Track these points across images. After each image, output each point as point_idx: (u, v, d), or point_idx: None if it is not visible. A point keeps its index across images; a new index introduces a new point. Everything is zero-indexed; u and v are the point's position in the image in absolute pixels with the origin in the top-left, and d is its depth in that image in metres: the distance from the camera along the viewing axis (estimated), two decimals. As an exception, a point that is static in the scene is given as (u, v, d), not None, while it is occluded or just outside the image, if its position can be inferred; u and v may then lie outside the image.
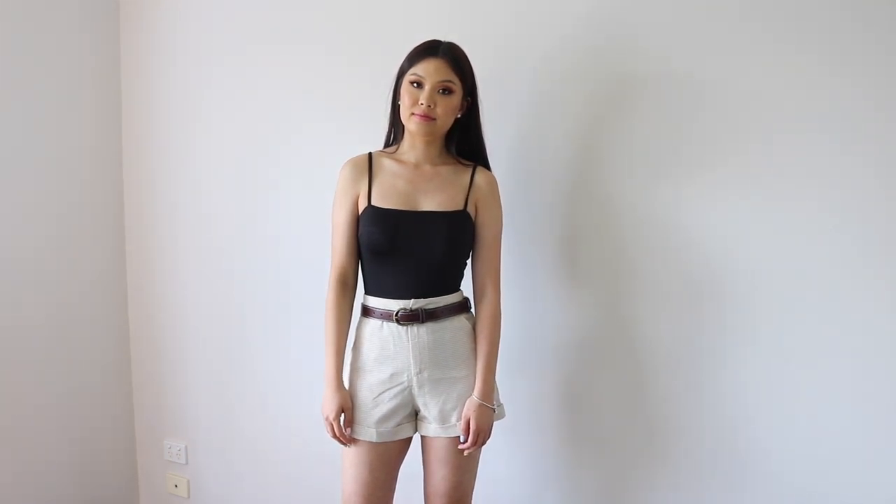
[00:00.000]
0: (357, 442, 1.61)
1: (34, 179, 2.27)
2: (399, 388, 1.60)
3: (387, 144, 1.72)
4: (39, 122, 2.27)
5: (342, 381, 1.62)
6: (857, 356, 1.56)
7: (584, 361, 1.85)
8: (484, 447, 1.64)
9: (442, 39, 1.61)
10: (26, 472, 2.29)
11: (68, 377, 2.39)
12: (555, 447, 1.92)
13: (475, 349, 1.65)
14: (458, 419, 1.60)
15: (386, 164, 1.65)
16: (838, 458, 1.59)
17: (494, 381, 1.65)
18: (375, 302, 1.62)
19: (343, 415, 1.60)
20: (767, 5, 1.58)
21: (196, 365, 2.45)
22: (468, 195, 1.64)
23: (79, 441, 2.44)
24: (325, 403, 1.60)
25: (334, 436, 1.60)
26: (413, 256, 1.59)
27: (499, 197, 1.68)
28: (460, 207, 1.62)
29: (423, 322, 1.59)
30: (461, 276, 1.69)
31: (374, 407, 1.60)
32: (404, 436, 1.64)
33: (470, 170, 1.67)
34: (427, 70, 1.55)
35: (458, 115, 1.63)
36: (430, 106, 1.55)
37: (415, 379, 1.60)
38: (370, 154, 1.67)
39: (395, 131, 1.70)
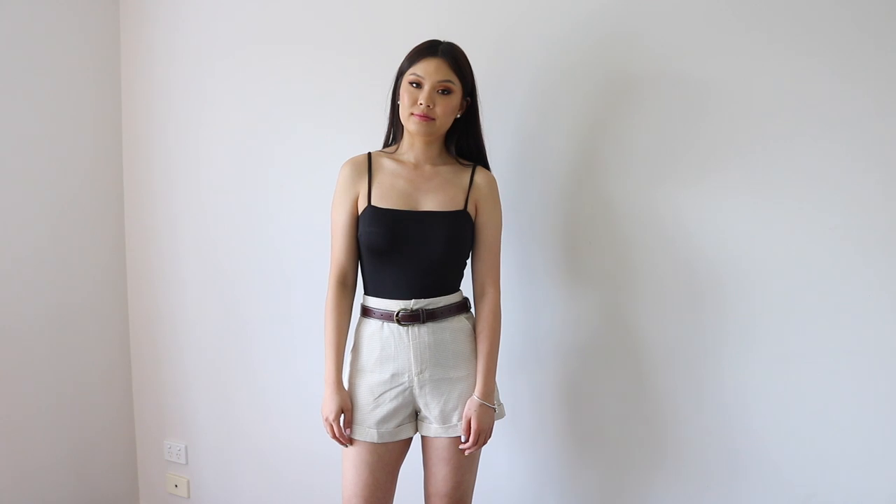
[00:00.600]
0: (356, 442, 1.61)
1: (34, 179, 2.27)
2: (400, 388, 1.60)
3: (386, 144, 1.72)
4: (39, 121, 2.27)
5: (342, 382, 1.62)
6: (857, 356, 1.56)
7: (585, 361, 1.85)
8: (484, 446, 1.64)
9: (441, 39, 1.61)
10: (26, 471, 2.29)
11: (68, 377, 2.40)
12: (555, 446, 1.92)
13: (475, 349, 1.65)
14: (460, 419, 1.60)
15: (386, 164, 1.64)
16: (838, 458, 1.59)
17: (495, 381, 1.65)
18: (375, 302, 1.62)
19: (343, 415, 1.60)
20: (768, 7, 1.58)
21: (196, 365, 2.45)
22: (468, 195, 1.64)
23: (79, 441, 2.44)
24: (325, 404, 1.60)
25: (334, 436, 1.60)
26: (413, 256, 1.58)
27: (498, 197, 1.68)
28: (460, 207, 1.62)
29: (423, 322, 1.59)
30: (461, 276, 1.69)
31: (375, 407, 1.60)
32: (405, 436, 1.64)
33: (469, 170, 1.67)
34: (426, 70, 1.55)
35: (458, 115, 1.63)
36: (429, 106, 1.55)
37: (416, 379, 1.60)
38: (369, 154, 1.67)
39: (395, 131, 1.70)
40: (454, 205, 1.62)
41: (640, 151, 1.73)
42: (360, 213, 1.61)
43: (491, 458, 1.82)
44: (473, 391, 1.62)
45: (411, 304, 1.59)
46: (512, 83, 1.86)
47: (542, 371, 1.91)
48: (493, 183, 1.68)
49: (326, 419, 1.60)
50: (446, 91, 1.56)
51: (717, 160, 1.66)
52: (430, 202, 1.61)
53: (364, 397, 1.61)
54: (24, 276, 2.25)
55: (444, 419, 1.61)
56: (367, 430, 1.60)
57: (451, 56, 1.57)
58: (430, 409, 1.61)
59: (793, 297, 1.60)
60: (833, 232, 1.55)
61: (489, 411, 1.61)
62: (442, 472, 1.63)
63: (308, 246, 2.15)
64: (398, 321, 1.59)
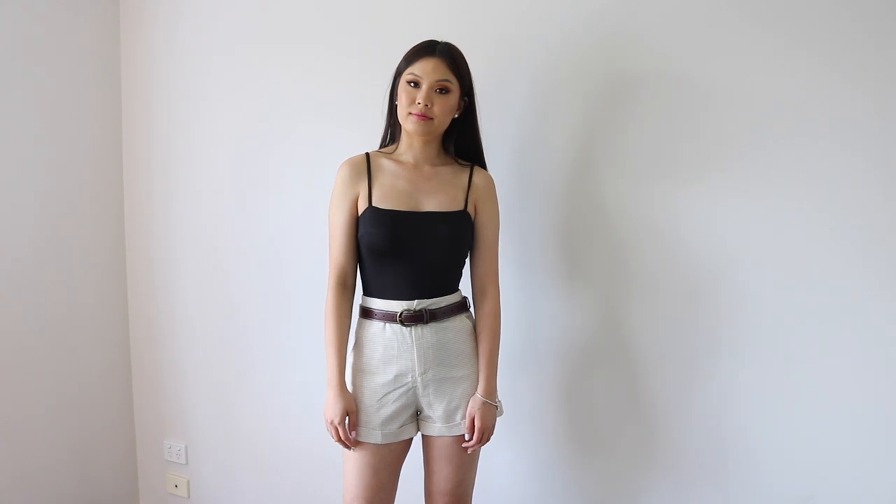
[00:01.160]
0: (361, 445, 1.60)
1: (33, 180, 2.27)
2: (403, 388, 1.60)
3: (383, 144, 1.72)
4: (39, 121, 2.28)
5: (346, 385, 1.60)
6: (857, 357, 1.55)
7: (584, 361, 1.85)
8: (484, 445, 1.64)
9: (439, 39, 1.60)
10: (27, 472, 2.29)
11: (68, 377, 2.40)
12: (554, 445, 1.92)
13: (476, 348, 1.65)
14: (463, 418, 1.61)
15: (385, 165, 1.64)
16: (837, 458, 1.59)
17: (496, 379, 1.65)
18: (377, 303, 1.62)
19: (348, 418, 1.58)
20: (768, 7, 1.57)
21: (196, 365, 2.45)
22: (467, 195, 1.64)
23: (79, 441, 2.44)
24: (329, 407, 1.58)
25: (339, 439, 1.58)
26: (415, 257, 1.58)
27: (496, 196, 1.69)
28: (461, 208, 1.62)
29: (426, 322, 1.59)
30: (460, 275, 1.69)
31: (379, 409, 1.60)
32: (407, 436, 1.64)
33: (468, 170, 1.67)
34: (424, 70, 1.55)
35: (456, 115, 1.63)
36: (427, 105, 1.54)
37: (419, 379, 1.59)
38: (367, 154, 1.66)
39: (393, 131, 1.69)
40: (455, 205, 1.62)
41: (639, 152, 1.73)
42: (360, 213, 1.61)
43: (491, 457, 1.82)
44: (475, 390, 1.62)
45: (414, 304, 1.58)
46: (511, 83, 1.85)
47: (542, 371, 1.90)
48: (491, 183, 1.68)
49: (331, 422, 1.57)
50: (444, 90, 1.56)
51: (717, 160, 1.65)
52: (431, 203, 1.60)
53: (367, 399, 1.60)
54: (24, 277, 2.26)
55: (448, 418, 1.61)
56: (371, 431, 1.59)
57: (448, 56, 1.57)
58: (434, 409, 1.61)
59: (792, 297, 1.60)
60: (832, 232, 1.55)
61: (492, 409, 1.62)
62: (444, 471, 1.64)
63: (308, 246, 2.15)
64: (401, 322, 1.58)
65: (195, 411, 2.47)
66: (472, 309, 1.71)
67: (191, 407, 2.48)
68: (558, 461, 1.92)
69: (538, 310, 1.90)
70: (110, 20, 2.45)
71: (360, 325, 1.66)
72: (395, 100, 1.62)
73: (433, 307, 1.60)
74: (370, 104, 1.81)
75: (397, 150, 1.66)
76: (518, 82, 1.85)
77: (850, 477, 1.58)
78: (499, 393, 1.69)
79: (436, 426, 1.63)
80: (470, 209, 1.64)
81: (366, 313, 1.64)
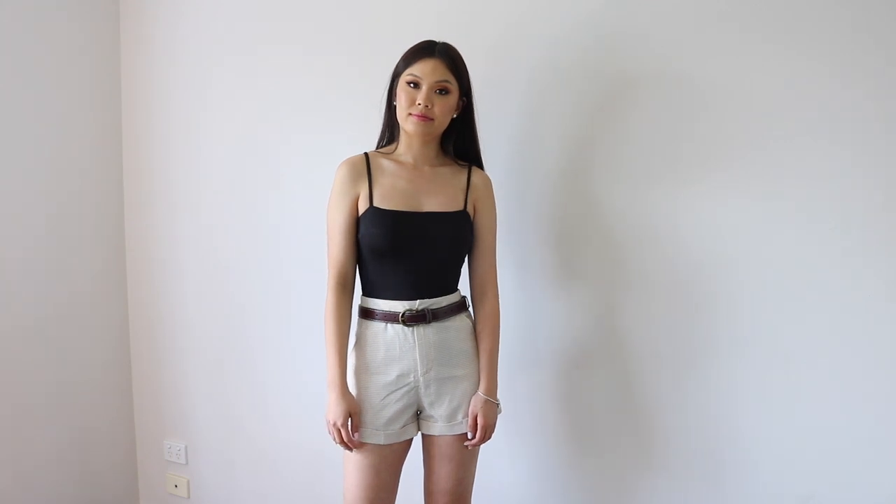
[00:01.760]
0: (363, 445, 1.60)
1: (33, 180, 2.27)
2: (405, 388, 1.60)
3: (380, 144, 1.72)
4: (39, 121, 2.27)
5: (347, 386, 1.60)
6: (856, 357, 1.56)
7: (582, 361, 1.85)
8: (483, 444, 1.65)
9: (437, 40, 1.60)
10: (26, 472, 2.30)
11: (68, 377, 2.40)
12: (553, 444, 1.92)
13: (476, 347, 1.66)
14: (464, 416, 1.62)
15: (385, 165, 1.64)
16: (836, 459, 1.59)
17: (497, 377, 1.66)
18: (378, 304, 1.61)
19: (350, 419, 1.57)
20: (767, 7, 1.57)
21: (196, 365, 2.45)
22: (466, 195, 1.64)
23: (79, 441, 2.44)
24: (331, 409, 1.57)
25: (341, 441, 1.58)
26: (416, 257, 1.58)
27: (494, 197, 1.69)
28: (460, 208, 1.63)
29: (428, 322, 1.59)
30: (459, 275, 1.69)
31: (382, 409, 1.60)
32: (409, 436, 1.64)
33: (466, 170, 1.68)
34: (424, 70, 1.55)
35: (454, 115, 1.63)
36: (427, 106, 1.54)
37: (421, 379, 1.60)
38: (366, 154, 1.66)
39: (391, 132, 1.69)
40: (455, 205, 1.62)
41: (637, 152, 1.73)
42: (360, 214, 1.60)
43: (490, 456, 1.82)
44: (476, 388, 1.63)
45: (416, 304, 1.59)
46: (509, 84, 1.85)
47: (540, 371, 1.91)
48: (489, 183, 1.69)
49: (334, 424, 1.56)
50: (444, 91, 1.56)
51: (716, 161, 1.65)
52: (432, 203, 1.61)
53: (370, 399, 1.60)
54: (23, 277, 2.25)
55: (449, 417, 1.62)
56: (374, 431, 1.59)
57: (447, 56, 1.57)
58: (435, 408, 1.62)
59: (791, 297, 1.60)
60: (832, 232, 1.55)
61: (493, 407, 1.63)
62: (445, 470, 1.64)
63: (308, 245, 2.15)
64: (403, 322, 1.58)
65: (195, 411, 2.47)
66: (471, 308, 1.71)
67: (191, 407, 2.48)
68: (557, 460, 1.92)
69: (536, 310, 1.90)
70: (110, 19, 2.45)
71: (360, 326, 1.65)
72: (394, 100, 1.62)
73: (434, 307, 1.60)
74: (370, 104, 1.80)
75: (396, 151, 1.66)
76: (516, 83, 1.85)
77: (849, 477, 1.58)
78: (497, 392, 1.69)
79: (437, 425, 1.63)
80: (469, 209, 1.64)
81: (366, 314, 1.63)
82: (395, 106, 1.61)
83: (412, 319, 1.58)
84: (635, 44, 1.71)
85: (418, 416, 1.66)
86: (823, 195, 1.55)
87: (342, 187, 1.61)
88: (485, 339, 1.65)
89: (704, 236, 1.68)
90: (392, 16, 1.99)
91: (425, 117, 1.55)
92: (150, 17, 2.41)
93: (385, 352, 1.60)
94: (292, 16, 2.15)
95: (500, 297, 1.69)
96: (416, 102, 1.55)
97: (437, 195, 1.62)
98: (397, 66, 1.61)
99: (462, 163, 1.69)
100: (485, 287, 1.67)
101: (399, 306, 1.59)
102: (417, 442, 1.69)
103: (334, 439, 1.58)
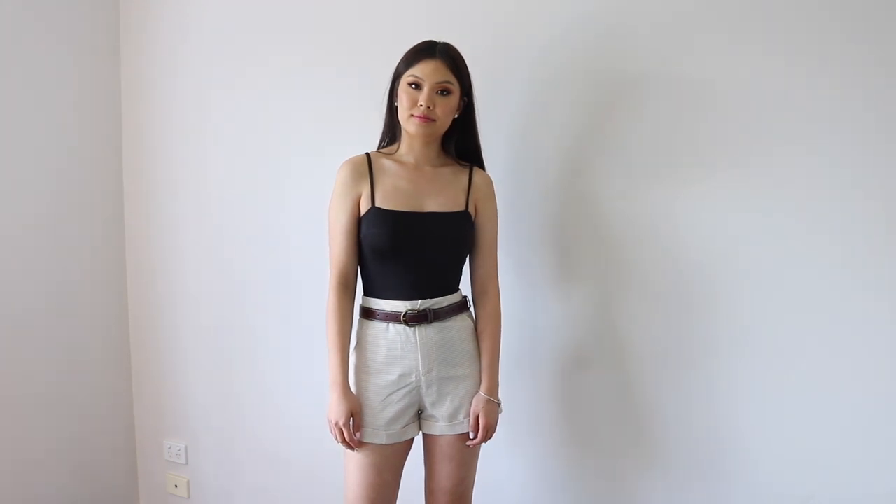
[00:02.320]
0: (365, 445, 1.60)
1: (33, 179, 2.27)
2: (407, 388, 1.61)
3: (382, 145, 1.72)
4: (39, 121, 2.27)
5: (349, 386, 1.60)
6: (856, 357, 1.56)
7: (582, 360, 1.86)
8: (484, 444, 1.65)
9: (437, 40, 1.61)
10: (26, 472, 2.30)
11: (68, 377, 2.40)
12: (552, 444, 1.93)
13: (478, 347, 1.66)
14: (465, 416, 1.62)
15: (386, 165, 1.64)
16: (836, 459, 1.60)
17: (498, 377, 1.67)
18: (379, 304, 1.62)
19: (352, 419, 1.58)
20: (766, 8, 1.58)
21: (196, 365, 2.45)
22: (468, 195, 1.65)
23: (79, 441, 2.44)
24: (333, 408, 1.58)
25: (343, 440, 1.58)
26: (418, 257, 1.59)
27: (495, 197, 1.70)
28: (462, 208, 1.63)
29: (430, 322, 1.60)
30: (461, 275, 1.70)
31: (383, 409, 1.60)
32: (410, 436, 1.65)
33: (468, 170, 1.68)
34: (425, 71, 1.55)
35: (456, 116, 1.63)
36: (429, 107, 1.55)
37: (423, 379, 1.60)
38: (368, 154, 1.67)
39: (392, 132, 1.70)
40: (456, 206, 1.63)
41: (636, 152, 1.74)
42: (362, 214, 1.61)
43: (490, 456, 1.83)
44: (477, 388, 1.64)
45: (418, 304, 1.59)
46: (508, 84, 1.86)
47: (540, 370, 1.91)
48: (490, 183, 1.69)
49: (336, 423, 1.57)
50: (445, 92, 1.57)
51: (716, 161, 1.66)
52: (434, 203, 1.61)
53: (372, 399, 1.61)
54: (23, 276, 2.25)
55: (451, 417, 1.62)
56: (376, 431, 1.60)
57: (448, 57, 1.58)
58: (437, 408, 1.62)
59: (791, 297, 1.61)
60: (831, 233, 1.56)
61: (495, 407, 1.64)
62: (447, 469, 1.65)
63: (309, 245, 2.14)
64: (405, 322, 1.59)
65: (195, 411, 2.47)
66: (472, 308, 1.72)
67: (191, 407, 2.48)
68: (556, 460, 1.93)
69: (536, 309, 1.90)
70: (110, 19, 2.45)
71: (361, 326, 1.66)
72: (395, 101, 1.62)
73: (436, 307, 1.61)
74: (372, 104, 1.81)
75: (398, 151, 1.67)
76: (515, 83, 1.86)
77: (849, 477, 1.59)
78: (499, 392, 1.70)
79: (438, 425, 1.64)
80: (471, 209, 1.65)
81: (368, 314, 1.64)
82: (396, 107, 1.62)
83: (414, 319, 1.59)
84: (635, 44, 1.71)
85: (419, 415, 1.66)
86: (824, 195, 1.56)
87: (344, 187, 1.62)
88: (486, 338, 1.66)
89: (704, 236, 1.68)
90: (392, 16, 1.99)
91: (427, 118, 1.56)
92: (149, 16, 2.41)
93: (387, 352, 1.60)
94: (294, 16, 2.15)
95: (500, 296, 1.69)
96: (418, 104, 1.55)
97: (439, 195, 1.62)
98: (398, 67, 1.61)
99: (464, 163, 1.69)
100: (486, 287, 1.68)
101: (400, 306, 1.59)
102: (418, 441, 1.70)
103: (336, 439, 1.59)
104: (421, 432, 1.68)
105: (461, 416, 1.63)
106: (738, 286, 1.66)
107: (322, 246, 1.72)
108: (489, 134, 1.79)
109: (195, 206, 2.39)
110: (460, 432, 1.63)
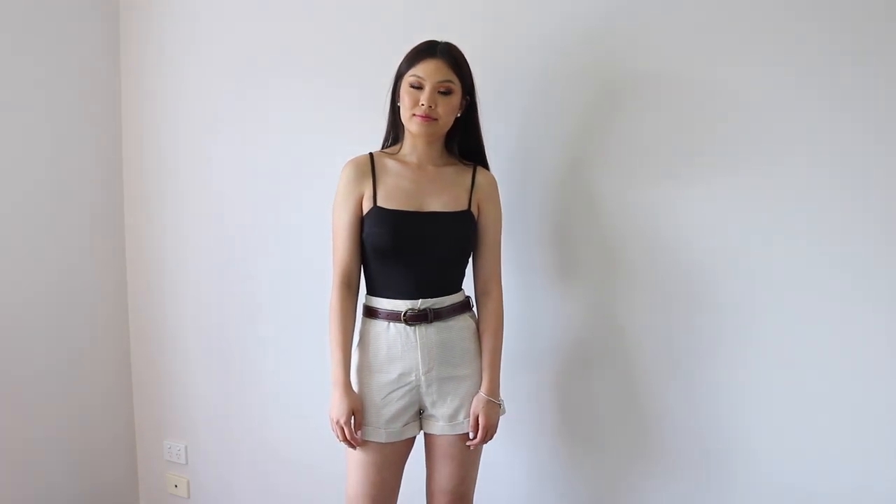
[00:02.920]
0: (365, 443, 1.61)
1: (33, 178, 2.27)
2: (407, 387, 1.61)
3: (385, 145, 1.73)
4: (39, 121, 2.27)
5: (351, 384, 1.61)
6: (857, 358, 1.56)
7: (583, 360, 1.86)
8: (485, 444, 1.65)
9: (439, 40, 1.61)
10: (26, 471, 2.29)
11: (68, 377, 2.39)
12: (553, 444, 1.93)
13: (479, 347, 1.66)
14: (466, 416, 1.62)
15: (389, 165, 1.65)
16: (837, 459, 1.60)
17: (499, 378, 1.67)
18: (381, 303, 1.62)
19: (354, 417, 1.59)
20: (766, 8, 1.58)
21: (196, 365, 2.45)
22: (471, 195, 1.65)
23: (79, 441, 2.44)
24: (335, 406, 1.59)
25: (344, 439, 1.59)
26: (420, 257, 1.59)
27: (499, 196, 1.70)
28: (464, 208, 1.63)
29: (430, 322, 1.60)
30: (463, 275, 1.70)
31: (383, 407, 1.61)
32: (410, 435, 1.65)
33: (471, 170, 1.68)
34: (426, 71, 1.56)
35: (458, 115, 1.64)
36: (431, 107, 1.55)
37: (423, 378, 1.60)
38: (371, 154, 1.67)
39: (395, 132, 1.70)
40: (459, 205, 1.63)
41: (639, 152, 1.74)
42: (364, 213, 1.61)
43: (491, 456, 1.83)
44: (478, 388, 1.64)
45: (418, 303, 1.59)
46: (510, 84, 1.86)
47: (541, 370, 1.91)
48: (493, 183, 1.69)
49: (337, 421, 1.58)
50: (447, 91, 1.57)
51: (717, 161, 1.66)
52: (436, 203, 1.61)
53: (372, 398, 1.61)
54: (22, 277, 2.25)
55: (451, 417, 1.62)
56: (376, 430, 1.60)
57: (450, 56, 1.58)
58: (437, 408, 1.63)
59: (795, 298, 1.61)
60: (833, 235, 1.56)
61: (495, 407, 1.64)
62: (447, 469, 1.65)
63: (311, 244, 2.14)
64: (405, 321, 1.59)
65: (195, 411, 2.47)
66: (474, 308, 1.72)
67: (191, 407, 2.48)
68: (557, 460, 1.93)
69: (537, 309, 1.90)
70: (110, 18, 2.45)
71: (363, 324, 1.66)
72: (397, 101, 1.62)
73: (437, 307, 1.61)
74: (376, 103, 1.81)
75: (401, 151, 1.67)
76: (516, 83, 1.86)
77: (849, 477, 1.59)
78: (500, 392, 1.70)
79: (439, 424, 1.64)
80: (473, 209, 1.65)
81: (370, 312, 1.64)
82: (398, 107, 1.62)
83: (414, 319, 1.59)
84: (638, 43, 1.71)
85: (420, 415, 1.66)
86: (825, 196, 1.56)
87: (347, 187, 1.62)
88: (488, 338, 1.66)
89: (706, 236, 1.69)
90: (393, 16, 1.99)
91: (429, 118, 1.56)
92: (150, 16, 2.41)
93: (387, 350, 1.61)
94: (297, 16, 2.15)
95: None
96: (420, 103, 1.55)
97: (441, 195, 1.62)
98: (400, 67, 1.61)
99: (467, 162, 1.70)
100: (489, 287, 1.68)
101: (401, 305, 1.60)
102: (420, 441, 1.70)
103: (337, 437, 1.60)
104: (422, 432, 1.68)
105: (462, 416, 1.63)
106: (740, 285, 1.66)
107: (324, 245, 1.72)
108: (493, 134, 1.79)
109: (195, 206, 2.39)
110: (461, 432, 1.63)
